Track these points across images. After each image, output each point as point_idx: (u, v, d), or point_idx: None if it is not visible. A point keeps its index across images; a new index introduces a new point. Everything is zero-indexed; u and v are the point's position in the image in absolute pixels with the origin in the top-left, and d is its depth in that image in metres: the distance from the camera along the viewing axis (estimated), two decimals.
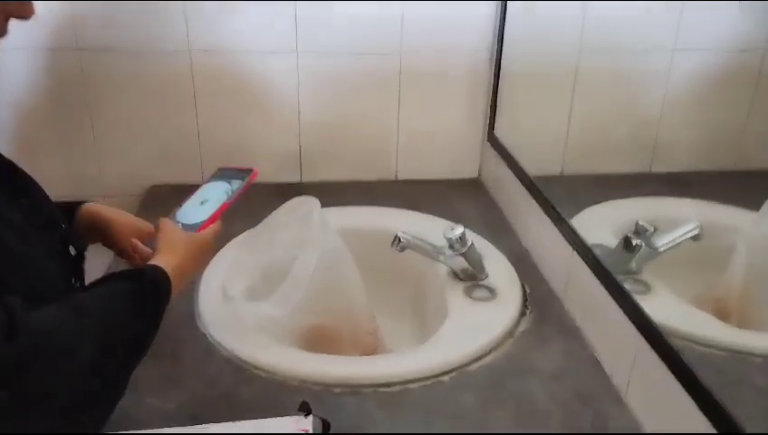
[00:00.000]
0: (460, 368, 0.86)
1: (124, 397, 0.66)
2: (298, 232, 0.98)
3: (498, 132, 1.32)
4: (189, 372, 0.85)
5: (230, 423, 0.72)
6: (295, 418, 0.72)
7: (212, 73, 1.31)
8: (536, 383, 0.84)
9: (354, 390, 0.82)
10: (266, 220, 1.00)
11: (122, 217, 0.83)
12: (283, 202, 1.00)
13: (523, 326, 0.95)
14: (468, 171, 1.44)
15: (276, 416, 0.73)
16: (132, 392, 0.80)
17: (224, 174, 0.87)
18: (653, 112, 1.08)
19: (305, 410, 0.73)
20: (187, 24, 1.26)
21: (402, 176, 1.43)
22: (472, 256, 1.02)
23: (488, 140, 1.36)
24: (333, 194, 1.30)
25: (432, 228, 1.14)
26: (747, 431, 0.61)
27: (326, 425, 0.74)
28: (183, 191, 0.86)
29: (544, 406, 0.80)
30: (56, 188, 0.75)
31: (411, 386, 0.83)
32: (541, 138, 1.22)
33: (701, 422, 0.66)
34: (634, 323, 0.80)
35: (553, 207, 1.04)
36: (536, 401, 0.81)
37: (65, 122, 1.33)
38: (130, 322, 0.64)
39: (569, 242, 0.98)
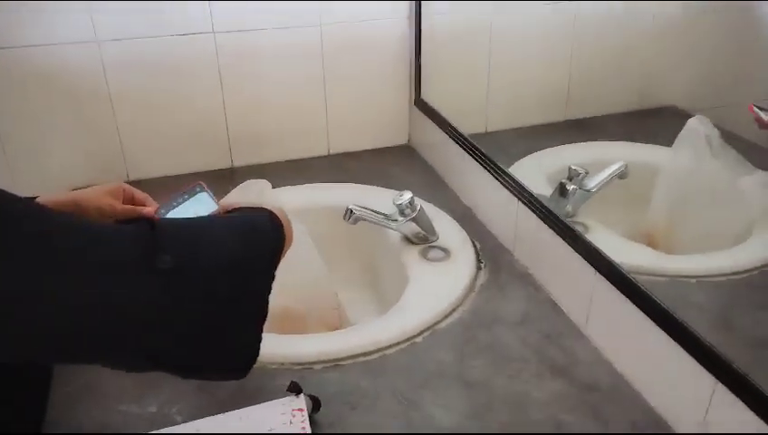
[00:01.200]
0: (431, 327, 0.89)
1: (98, 407, 0.63)
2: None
3: (425, 96, 1.34)
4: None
5: (221, 416, 0.72)
6: (287, 399, 0.73)
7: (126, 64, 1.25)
8: (504, 331, 0.88)
9: (335, 364, 0.84)
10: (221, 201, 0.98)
11: (86, 194, 0.69)
12: (220, 189, 0.98)
13: (480, 280, 0.99)
14: (399, 138, 1.46)
15: (264, 402, 0.73)
16: (107, 401, 0.79)
17: (180, 197, 0.76)
18: (564, 63, 1.15)
19: (295, 389, 0.74)
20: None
21: (335, 150, 1.43)
22: (422, 220, 1.05)
23: (416, 104, 1.39)
24: (269, 175, 1.27)
25: (377, 198, 1.16)
26: (707, 342, 0.68)
27: (316, 402, 0.76)
28: None
29: (517, 351, 0.85)
30: None
31: (388, 352, 0.86)
32: (465, 98, 1.26)
33: (663, 340, 0.72)
34: (587, 259, 0.86)
35: (492, 161, 1.08)
36: (509, 347, 0.86)
37: None
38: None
39: (512, 193, 1.03)
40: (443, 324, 0.90)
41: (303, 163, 1.40)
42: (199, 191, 0.77)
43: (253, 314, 0.62)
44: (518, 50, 1.18)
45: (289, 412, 0.71)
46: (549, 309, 0.93)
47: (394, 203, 1.03)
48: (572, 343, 0.86)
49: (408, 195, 1.04)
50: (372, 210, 1.04)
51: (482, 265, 1.03)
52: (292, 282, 0.98)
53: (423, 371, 0.82)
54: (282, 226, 0.68)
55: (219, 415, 0.71)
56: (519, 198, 1.01)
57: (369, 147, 1.44)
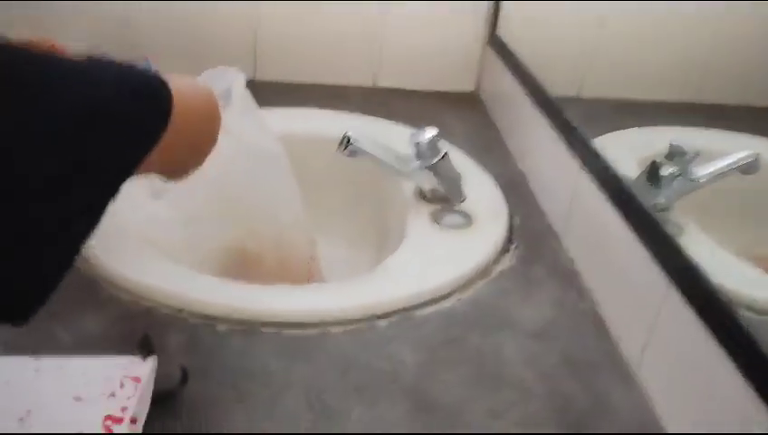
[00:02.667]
0: (405, 311, 0.61)
1: None
2: None
3: (502, 33, 1.04)
4: None
5: (15, 359, 0.48)
6: (125, 360, 0.48)
7: None
8: (509, 341, 0.59)
9: (248, 328, 0.58)
10: None
11: None
12: None
13: (503, 265, 0.69)
14: (465, 82, 1.17)
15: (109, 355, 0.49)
16: None
17: None
18: (696, 35, 0.81)
19: (145, 348, 0.49)
20: None
21: (383, 83, 1.16)
22: (445, 171, 0.76)
23: (489, 44, 1.09)
24: (294, 98, 1.04)
25: (403, 139, 0.88)
26: None
27: (184, 375, 0.50)
28: None
29: (518, 375, 0.55)
30: None
31: (333, 329, 0.58)
32: (557, 49, 0.94)
33: (764, 418, 0.40)
34: (668, 271, 0.54)
35: (571, 125, 0.77)
36: (506, 366, 0.56)
37: None
38: None
39: (584, 167, 0.71)
40: (424, 311, 0.62)
41: (340, 91, 1.13)
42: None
43: (62, 221, 0.35)
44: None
45: (118, 379, 0.46)
46: (588, 325, 0.62)
47: (411, 140, 0.75)
48: (609, 383, 0.55)
49: (430, 132, 0.75)
50: (380, 145, 0.76)
51: (512, 246, 0.72)
52: (253, 216, 0.74)
53: (368, 368, 0.55)
54: (169, 98, 0.40)
55: (15, 357, 0.47)
56: (588, 169, 0.70)
57: (425, 87, 1.16)
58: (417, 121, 1.02)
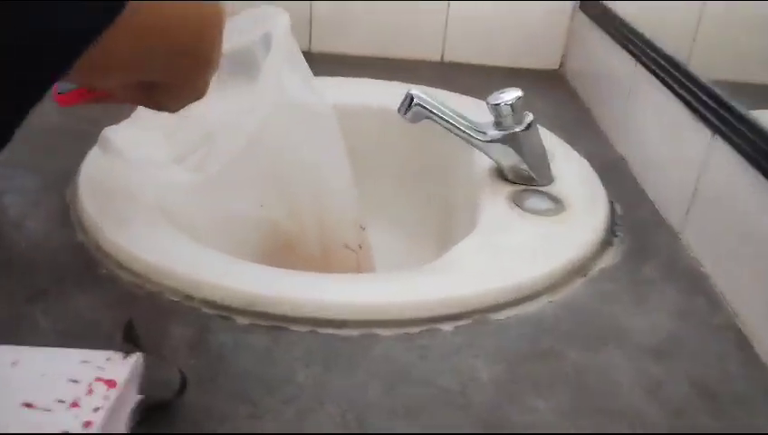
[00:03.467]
0: (477, 313, 0.47)
1: None
2: (248, 63, 0.60)
3: None
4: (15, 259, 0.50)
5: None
6: (100, 356, 0.35)
7: None
8: (619, 359, 0.43)
9: (274, 324, 0.45)
10: None
11: None
12: None
13: (604, 261, 0.54)
14: (547, 59, 1.01)
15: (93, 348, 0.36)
16: None
17: None
18: None
19: (128, 340, 0.36)
20: None
21: (451, 57, 1.02)
22: (530, 144, 0.61)
23: (582, 9, 0.93)
24: (349, 71, 0.91)
25: (474, 111, 0.74)
26: None
27: (182, 381, 0.37)
28: None
29: (630, 404, 0.40)
30: None
31: (381, 331, 0.45)
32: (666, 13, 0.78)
33: None
34: None
35: (707, 87, 0.60)
36: (614, 392, 0.41)
37: None
38: None
39: (724, 138, 0.55)
40: (503, 314, 0.47)
41: (403, 65, 1.00)
42: None
43: None
44: None
45: (86, 382, 0.33)
46: (726, 345, 0.46)
47: (488, 103, 0.61)
48: (761, 421, 0.39)
49: (514, 92, 0.61)
50: (449, 109, 0.62)
51: (616, 238, 0.57)
52: (295, 185, 0.61)
53: (426, 384, 0.40)
54: None
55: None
56: (732, 142, 0.53)
57: (500, 63, 1.01)
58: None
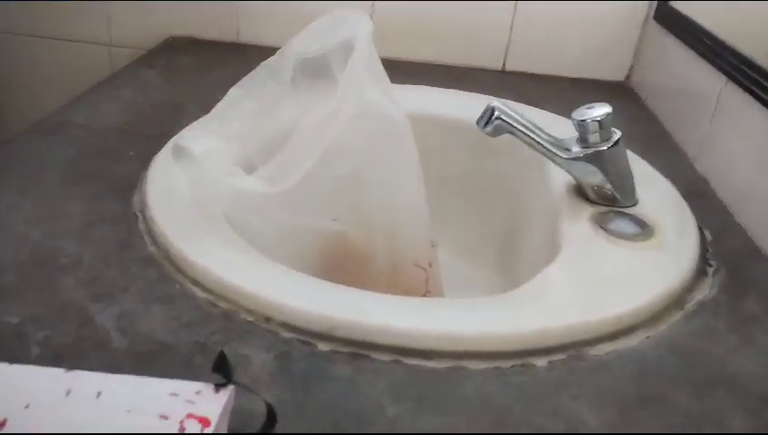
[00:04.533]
0: (573, 347, 0.43)
1: None
2: (326, 69, 0.58)
3: (678, 3, 0.84)
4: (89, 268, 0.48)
5: (85, 374, 0.34)
6: (189, 388, 0.33)
7: None
8: (733, 406, 0.40)
9: (356, 351, 0.42)
10: (281, 51, 0.61)
11: None
12: None
13: (701, 293, 0.50)
14: (614, 70, 0.97)
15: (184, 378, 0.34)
16: None
17: None
18: None
19: (220, 372, 0.34)
20: None
21: (513, 66, 0.99)
22: (617, 163, 0.58)
23: (656, 18, 0.89)
24: (409, 78, 0.88)
25: (553, 123, 0.71)
26: None
27: (270, 414, 0.35)
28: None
29: None
30: None
31: (469, 364, 0.42)
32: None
33: None
34: None
35: None
36: None
37: None
38: None
39: None
40: (599, 350, 0.44)
41: (464, 73, 0.97)
42: None
43: None
44: None
45: (177, 418, 0.31)
46: None
47: (573, 118, 0.58)
48: None
49: (602, 108, 0.57)
50: (531, 123, 0.59)
51: (710, 269, 0.53)
52: (369, 196, 0.58)
53: (527, 425, 0.37)
54: None
55: (43, 369, 0.33)
56: None
57: (564, 73, 0.98)
58: (556, 109, 0.84)
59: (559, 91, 0.93)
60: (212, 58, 0.94)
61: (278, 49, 1.00)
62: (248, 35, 1.01)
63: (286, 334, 0.43)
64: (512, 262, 0.73)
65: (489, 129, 0.59)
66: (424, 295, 0.61)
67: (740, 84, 0.65)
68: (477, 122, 0.59)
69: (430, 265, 0.61)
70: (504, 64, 0.98)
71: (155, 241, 0.51)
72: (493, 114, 0.58)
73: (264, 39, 1.01)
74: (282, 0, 0.98)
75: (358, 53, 0.55)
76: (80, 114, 0.72)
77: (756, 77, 0.62)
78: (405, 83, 0.86)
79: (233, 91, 0.63)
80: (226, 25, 1.00)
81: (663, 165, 0.70)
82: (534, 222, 0.68)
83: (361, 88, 0.54)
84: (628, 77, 0.97)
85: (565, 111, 0.84)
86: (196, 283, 0.47)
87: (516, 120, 0.58)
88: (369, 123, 0.54)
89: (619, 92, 0.95)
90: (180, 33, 1.02)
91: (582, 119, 0.57)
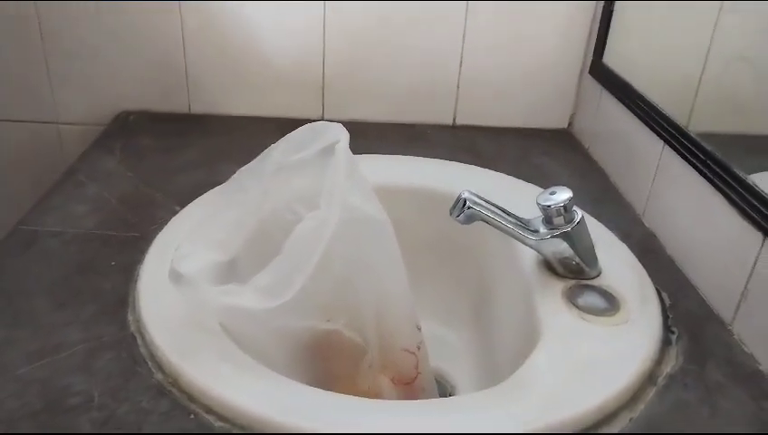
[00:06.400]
0: None
1: None
2: (310, 178, 0.61)
3: (609, 60, 0.91)
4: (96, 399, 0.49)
5: None
6: None
7: None
8: None
9: None
10: (261, 156, 0.63)
11: None
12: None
13: (668, 365, 0.56)
14: (556, 119, 1.04)
15: None
16: None
17: None
18: None
19: None
20: None
21: (463, 120, 1.04)
22: (581, 240, 0.63)
23: (591, 72, 0.96)
24: (365, 138, 0.92)
25: (512, 193, 0.76)
26: None
27: None
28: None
29: None
30: None
31: None
32: (670, 73, 0.81)
33: None
34: None
35: (721, 164, 0.64)
36: None
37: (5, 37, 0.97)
38: None
39: (752, 223, 0.58)
40: None
41: (416, 131, 1.01)
42: None
43: None
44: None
45: None
46: None
47: (539, 203, 0.63)
48: None
49: (564, 193, 0.62)
50: (499, 208, 0.63)
51: (673, 336, 0.59)
52: (353, 295, 0.61)
53: None
54: None
55: None
56: (762, 229, 0.57)
57: (511, 123, 1.03)
58: (508, 164, 0.90)
59: (506, 143, 0.99)
60: (170, 135, 0.94)
61: (232, 117, 1.02)
62: (200, 106, 1.02)
63: None
64: (487, 322, 0.78)
65: (462, 217, 0.63)
66: (415, 378, 0.65)
67: (676, 151, 0.72)
68: (450, 212, 0.63)
69: (419, 349, 0.65)
70: (454, 120, 1.03)
71: (160, 368, 0.52)
72: (465, 205, 0.62)
73: (217, 108, 1.02)
74: (228, 67, 0.99)
75: (337, 161, 0.58)
76: (49, 221, 0.72)
77: (689, 145, 0.69)
78: (361, 145, 0.90)
79: (214, 198, 0.65)
80: (177, 97, 1.01)
81: (613, 220, 0.76)
82: (505, 287, 0.73)
83: (344, 196, 0.57)
84: (570, 124, 1.04)
85: (519, 166, 0.90)
86: (210, 411, 0.49)
87: (486, 208, 0.62)
88: (355, 228, 0.57)
89: (564, 139, 1.01)
90: (131, 106, 1.02)
91: (547, 204, 0.62)
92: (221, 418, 0.48)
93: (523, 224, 0.64)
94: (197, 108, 1.02)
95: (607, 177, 0.89)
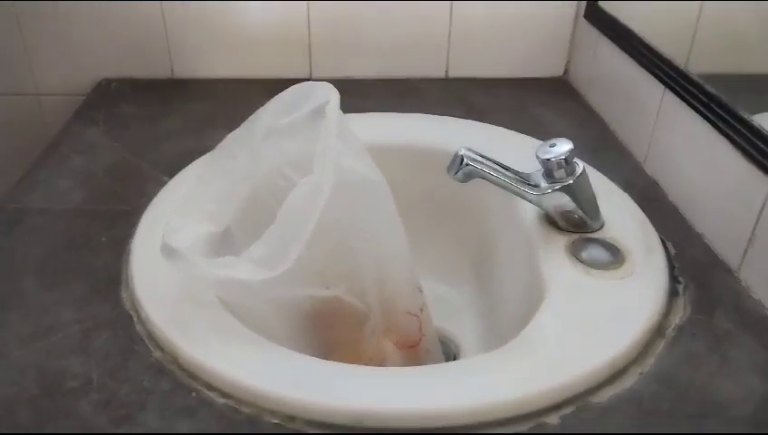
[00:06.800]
0: (578, 398, 0.47)
1: None
2: (301, 141, 0.58)
3: (606, 3, 0.88)
4: (95, 378, 0.48)
5: None
6: None
7: None
8: (726, 431, 0.45)
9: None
10: (249, 120, 0.61)
11: None
12: None
13: (676, 316, 0.55)
14: (551, 67, 1.01)
15: None
16: None
17: None
18: None
19: None
20: None
21: (456, 72, 1.01)
22: (583, 192, 0.62)
23: (587, 16, 0.92)
24: (355, 96, 0.89)
25: (509, 145, 0.74)
26: None
27: None
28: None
29: None
30: None
31: (493, 432, 0.45)
32: (670, 16, 0.78)
33: None
34: None
35: (725, 106, 0.62)
36: None
37: None
38: None
39: (758, 165, 0.57)
40: (602, 396, 0.48)
41: (408, 85, 0.98)
42: None
43: None
44: None
45: None
46: None
47: (538, 156, 0.61)
48: None
49: (565, 145, 0.60)
50: (498, 163, 0.61)
51: (680, 286, 0.58)
52: (352, 260, 0.60)
53: None
54: None
55: None
56: None
57: (504, 74, 1.00)
58: (504, 116, 0.87)
59: (500, 95, 0.96)
60: (154, 102, 0.91)
61: (217, 80, 0.99)
62: (183, 70, 0.98)
63: (312, 431, 0.45)
64: (488, 279, 0.77)
65: (460, 175, 0.61)
66: (419, 341, 0.64)
67: (678, 94, 0.69)
68: (448, 170, 0.62)
69: (421, 311, 0.64)
70: (446, 72, 1.00)
71: (158, 345, 0.51)
72: (462, 162, 0.60)
73: (201, 72, 0.99)
74: (211, 30, 0.96)
75: (329, 123, 0.55)
76: (35, 197, 0.70)
77: (691, 89, 0.67)
78: (351, 103, 0.87)
79: (203, 167, 0.63)
80: (159, 62, 0.97)
81: (614, 169, 0.74)
82: (505, 243, 0.72)
83: (337, 158, 0.55)
84: (565, 71, 1.01)
85: (514, 117, 0.87)
86: (211, 388, 0.48)
87: (485, 165, 0.61)
88: (350, 191, 0.55)
89: (559, 87, 0.99)
90: (111, 74, 0.98)
91: (547, 157, 0.60)
92: (223, 394, 0.47)
93: (523, 179, 0.62)
94: (180, 72, 0.99)
95: (605, 124, 0.87)
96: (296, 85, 0.59)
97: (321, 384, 0.47)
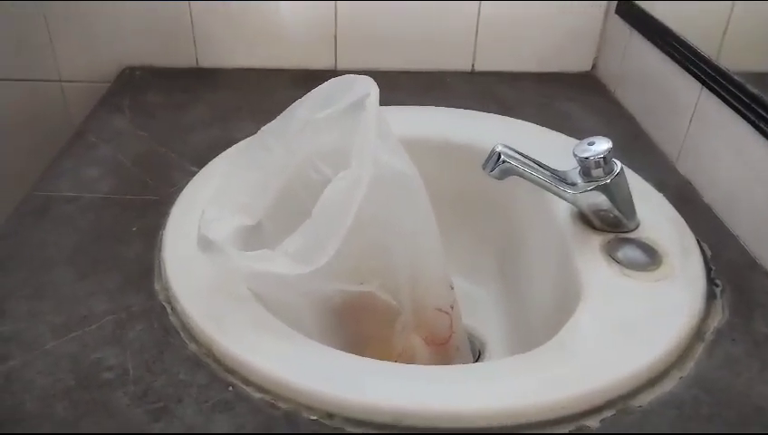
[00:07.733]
0: (619, 401, 0.47)
1: None
2: (337, 134, 0.58)
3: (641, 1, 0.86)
4: (130, 372, 0.47)
5: None
6: None
7: None
8: None
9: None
10: (285, 113, 0.60)
11: None
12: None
13: (715, 319, 0.54)
14: (579, 61, 1.00)
15: None
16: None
17: None
18: None
19: None
20: None
21: (482, 66, 1.00)
22: (621, 192, 0.61)
23: (618, 12, 0.91)
24: (381, 88, 0.88)
25: (543, 142, 0.73)
26: None
27: None
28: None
29: None
30: None
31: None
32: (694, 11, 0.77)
33: None
34: None
35: (766, 105, 0.61)
36: None
37: None
38: None
39: None
40: (642, 400, 0.47)
41: (434, 78, 0.97)
42: None
43: None
44: None
45: None
46: None
47: (576, 155, 0.60)
48: None
49: (604, 144, 0.59)
50: (534, 161, 0.61)
51: (717, 289, 0.57)
52: (386, 256, 0.59)
53: None
54: None
55: None
56: None
57: (532, 68, 0.99)
58: (532, 111, 0.87)
59: (528, 89, 0.95)
60: (179, 91, 0.91)
61: (242, 69, 0.98)
62: (208, 59, 0.98)
63: (352, 430, 0.44)
64: (516, 277, 0.76)
65: (496, 172, 0.60)
66: (449, 338, 0.63)
67: (716, 93, 0.68)
68: (483, 166, 0.61)
69: (452, 308, 0.63)
70: (473, 66, 0.99)
71: (194, 338, 0.51)
72: (499, 158, 0.60)
73: (226, 61, 0.98)
74: (236, 19, 0.95)
75: (368, 117, 0.55)
76: (63, 186, 0.69)
77: (731, 88, 0.66)
78: (380, 95, 0.87)
79: (234, 158, 0.62)
80: (183, 51, 0.97)
81: (645, 168, 0.73)
82: (536, 241, 0.71)
83: (375, 153, 0.54)
84: (593, 67, 1.00)
85: (542, 112, 0.86)
86: (248, 382, 0.47)
87: (521, 162, 0.60)
88: (387, 187, 0.55)
89: (587, 83, 0.98)
90: (135, 62, 0.98)
91: (585, 156, 0.59)
92: (261, 389, 0.47)
93: (560, 177, 0.61)
94: (205, 61, 0.98)
95: (635, 121, 0.86)
96: (335, 78, 0.58)
97: (358, 381, 0.47)
